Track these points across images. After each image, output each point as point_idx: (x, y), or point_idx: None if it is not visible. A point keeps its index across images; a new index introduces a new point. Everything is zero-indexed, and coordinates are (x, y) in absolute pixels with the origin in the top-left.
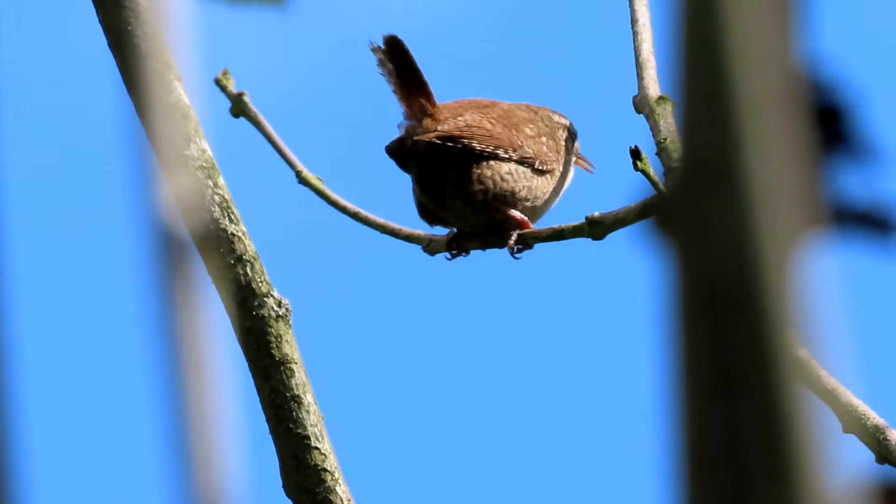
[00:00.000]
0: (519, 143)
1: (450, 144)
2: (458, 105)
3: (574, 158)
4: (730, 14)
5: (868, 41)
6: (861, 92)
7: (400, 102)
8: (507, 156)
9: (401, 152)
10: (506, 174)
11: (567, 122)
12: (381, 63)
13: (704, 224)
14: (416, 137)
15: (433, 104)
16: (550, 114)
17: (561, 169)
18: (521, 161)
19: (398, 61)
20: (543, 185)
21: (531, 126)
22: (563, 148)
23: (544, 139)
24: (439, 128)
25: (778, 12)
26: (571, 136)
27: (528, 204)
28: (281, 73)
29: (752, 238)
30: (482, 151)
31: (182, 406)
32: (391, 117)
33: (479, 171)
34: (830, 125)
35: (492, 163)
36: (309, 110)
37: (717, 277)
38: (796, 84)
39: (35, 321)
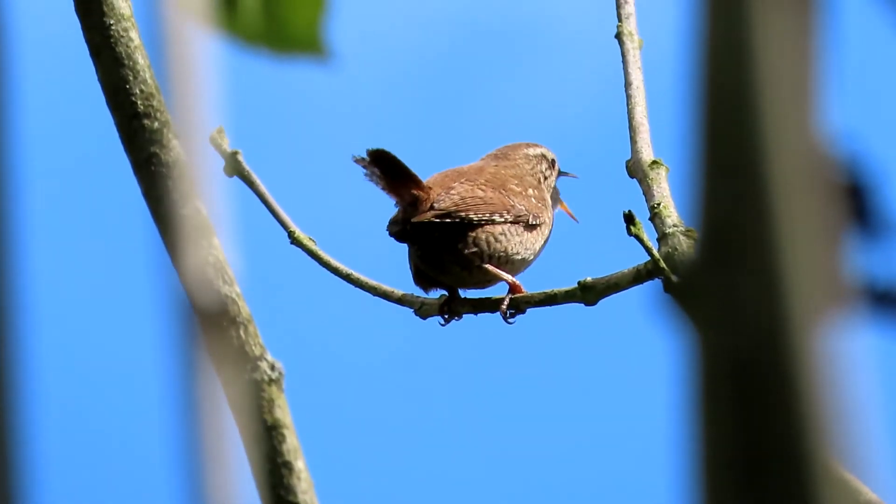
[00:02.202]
0: (511, 203)
1: (448, 221)
2: (445, 178)
3: (555, 186)
4: (758, 88)
5: (890, 117)
6: (883, 168)
7: (390, 196)
8: (501, 219)
9: (402, 234)
10: (499, 234)
11: (541, 151)
12: (365, 170)
13: (729, 299)
14: (414, 220)
15: (422, 186)
16: (525, 150)
17: (550, 217)
18: (516, 220)
19: (382, 166)
20: (534, 239)
21: (517, 181)
22: (547, 187)
23: (531, 191)
24: (435, 206)
25: (804, 87)
26: (549, 162)
27: (519, 258)
28: (277, 128)
29: (777, 309)
30: (479, 220)
31: (202, 476)
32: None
33: (473, 235)
34: (853, 201)
35: (486, 227)
36: (305, 167)
37: (741, 351)
38: (822, 158)
39: (51, 384)
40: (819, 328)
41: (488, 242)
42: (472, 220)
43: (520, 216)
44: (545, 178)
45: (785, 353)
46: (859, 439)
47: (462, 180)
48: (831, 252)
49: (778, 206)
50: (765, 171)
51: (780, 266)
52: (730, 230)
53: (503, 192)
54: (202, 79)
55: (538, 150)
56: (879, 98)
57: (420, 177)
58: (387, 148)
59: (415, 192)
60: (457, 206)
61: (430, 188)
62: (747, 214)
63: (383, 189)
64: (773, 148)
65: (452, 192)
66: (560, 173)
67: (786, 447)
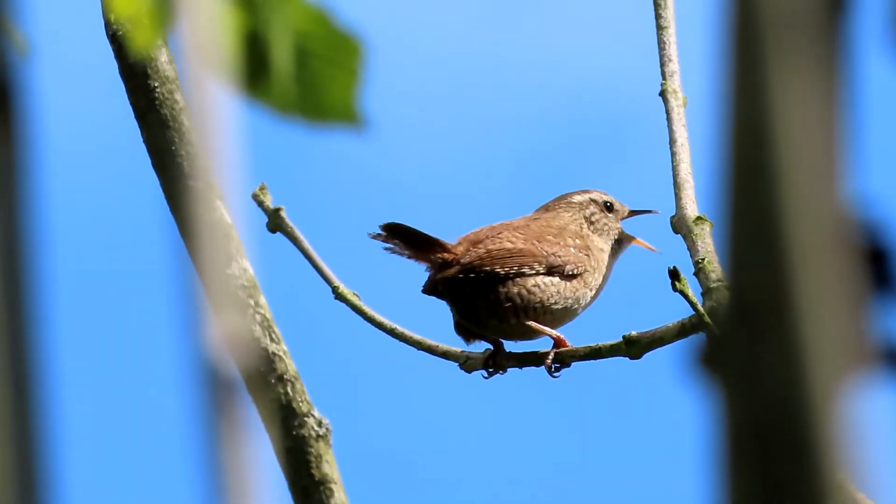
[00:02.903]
0: (544, 253)
1: (472, 275)
2: (479, 232)
3: (616, 225)
4: (781, 155)
5: None
6: None
7: (420, 262)
8: (532, 271)
9: (434, 292)
10: (532, 287)
11: (589, 196)
12: (386, 244)
13: (753, 363)
14: (438, 277)
15: (448, 248)
16: (570, 198)
17: (595, 264)
18: (549, 271)
19: (401, 237)
20: (575, 288)
21: (556, 232)
22: (598, 231)
23: (570, 240)
24: (461, 261)
25: (827, 153)
26: (600, 205)
27: (559, 307)
28: (320, 185)
29: (801, 378)
30: (507, 273)
31: None
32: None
33: (505, 289)
34: (874, 266)
35: (517, 280)
36: (348, 222)
37: (765, 416)
38: (844, 224)
39: (84, 455)
40: (840, 392)
41: (521, 295)
42: (498, 273)
43: (554, 266)
44: (592, 223)
45: (806, 417)
46: (880, 500)
47: (495, 234)
48: (853, 316)
49: (800, 273)
50: (787, 239)
51: (803, 332)
52: (754, 297)
53: (537, 243)
54: (233, 140)
55: (584, 196)
56: None
57: (445, 239)
58: (399, 221)
59: (440, 254)
60: (482, 259)
61: (459, 245)
62: (771, 281)
63: (409, 258)
64: (794, 215)
65: (479, 246)
66: (632, 212)
67: None
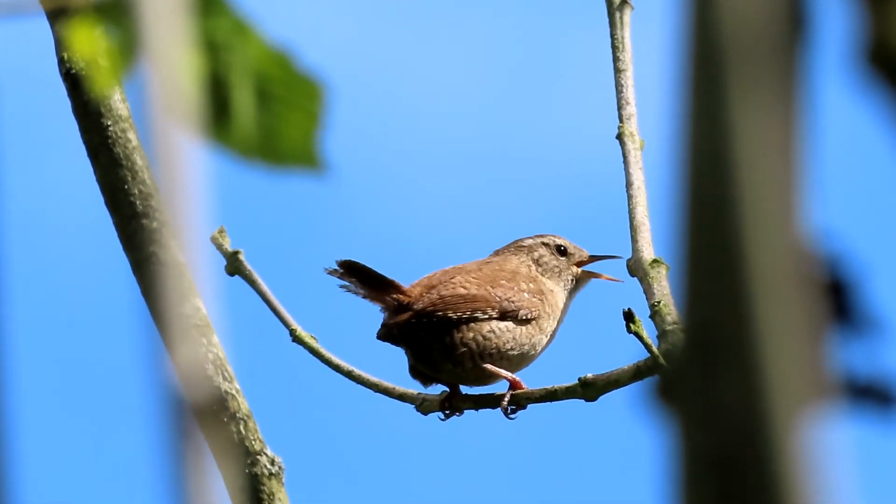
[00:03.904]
0: (497, 298)
1: (425, 321)
2: (432, 277)
3: (570, 268)
4: (740, 187)
5: (869, 214)
6: (863, 266)
7: (374, 303)
8: (486, 316)
9: (389, 337)
10: (487, 332)
11: (541, 240)
12: (341, 281)
13: (710, 394)
14: (392, 322)
15: (403, 291)
16: (520, 242)
17: (550, 308)
18: (503, 316)
19: (357, 275)
20: (530, 333)
21: (508, 276)
22: (547, 273)
23: (523, 284)
24: (415, 307)
25: (787, 185)
26: (553, 248)
27: (515, 353)
28: (280, 227)
29: (761, 410)
30: (459, 318)
31: None
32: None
33: (460, 335)
34: (834, 299)
35: (472, 325)
36: (306, 265)
37: (724, 449)
38: (803, 257)
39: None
40: (800, 424)
41: (476, 341)
42: (451, 318)
43: (508, 312)
44: (541, 266)
45: (765, 450)
46: None
47: (448, 279)
48: (813, 349)
49: (759, 306)
50: (745, 272)
51: (761, 365)
52: (712, 330)
53: (490, 288)
54: (195, 183)
55: (535, 240)
56: (861, 196)
57: (400, 281)
58: (355, 259)
59: (395, 296)
60: (434, 305)
61: (414, 289)
62: (729, 314)
63: (364, 298)
64: (753, 249)
65: (433, 291)
66: (592, 258)
67: None
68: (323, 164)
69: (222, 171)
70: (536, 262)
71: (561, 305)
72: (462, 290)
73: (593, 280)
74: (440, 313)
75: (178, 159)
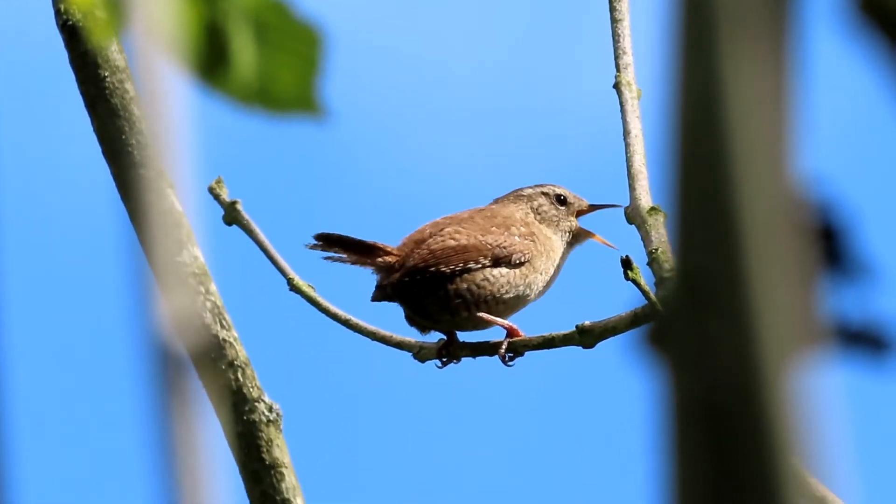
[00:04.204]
0: (488, 246)
1: (418, 277)
2: (421, 233)
3: (573, 227)
4: (730, 134)
5: (860, 161)
6: (855, 211)
7: (364, 267)
8: (478, 265)
9: (384, 297)
10: (481, 281)
11: (540, 189)
12: (326, 251)
13: (702, 341)
14: (384, 283)
15: (389, 251)
16: (519, 191)
17: (543, 248)
18: (496, 262)
19: (339, 245)
20: (524, 275)
21: (498, 223)
22: (546, 222)
23: (514, 229)
24: (406, 264)
25: (777, 133)
26: (552, 198)
27: (510, 296)
28: (278, 177)
29: (750, 355)
30: (452, 271)
31: None
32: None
33: (454, 287)
34: (825, 244)
35: (465, 276)
36: (303, 214)
37: (715, 393)
38: (794, 203)
39: (35, 434)
40: (790, 370)
41: (470, 290)
42: (443, 272)
43: (500, 258)
44: (539, 215)
45: (756, 396)
46: (832, 477)
47: (438, 231)
48: (804, 295)
49: (750, 252)
50: (737, 218)
51: (752, 311)
52: (703, 276)
53: (481, 236)
54: (189, 133)
55: (534, 189)
56: (852, 141)
57: (386, 241)
58: (333, 231)
59: (383, 258)
60: (426, 261)
61: (404, 246)
62: (720, 261)
63: (353, 264)
64: (745, 194)
65: (423, 247)
66: (592, 207)
67: (758, 488)
68: (321, 111)
69: (220, 119)
70: (535, 210)
71: (558, 253)
72: (452, 242)
73: (589, 240)
74: (432, 269)
75: (172, 108)
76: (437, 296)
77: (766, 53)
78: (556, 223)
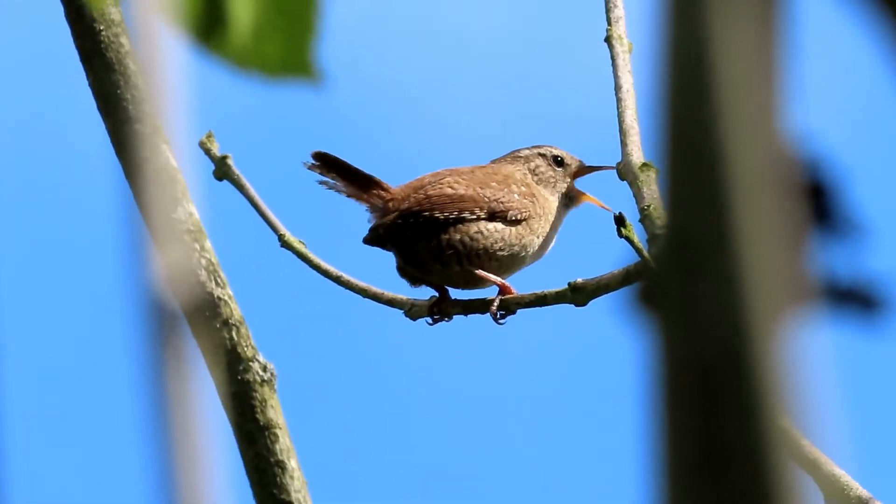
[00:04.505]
0: (486, 199)
1: (411, 220)
2: (420, 180)
3: (569, 188)
4: (718, 90)
5: (850, 118)
6: (844, 168)
7: (359, 202)
8: (473, 216)
9: (377, 240)
10: (475, 234)
11: (538, 150)
12: (322, 176)
13: (691, 300)
14: (379, 223)
15: (389, 190)
16: (518, 152)
17: (541, 210)
18: (492, 217)
19: (337, 170)
20: (520, 234)
21: (498, 179)
22: (543, 183)
23: (514, 187)
24: (401, 207)
25: (766, 89)
26: (550, 159)
27: (505, 254)
28: (269, 133)
29: (739, 314)
30: (447, 218)
31: (173, 476)
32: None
33: (447, 236)
34: (814, 202)
35: (459, 226)
36: (294, 170)
37: (704, 353)
38: (783, 160)
39: (26, 386)
40: (780, 330)
41: (463, 242)
42: (437, 218)
43: (497, 212)
44: (537, 175)
45: (746, 356)
46: (821, 436)
47: (437, 180)
48: (793, 253)
49: (738, 210)
50: (725, 175)
51: (741, 269)
52: (691, 234)
53: (480, 189)
54: (184, 87)
55: (532, 150)
56: (841, 98)
57: (392, 182)
58: (332, 153)
59: (380, 194)
60: (420, 205)
61: (400, 189)
62: (708, 218)
63: (349, 196)
64: (733, 151)
65: (420, 191)
66: (586, 168)
67: (748, 448)
68: (317, 75)
69: (214, 79)
70: (533, 172)
71: (554, 213)
72: (449, 191)
73: (585, 202)
74: (426, 213)
75: (165, 61)
76: (429, 243)
77: (755, 8)
78: (553, 185)
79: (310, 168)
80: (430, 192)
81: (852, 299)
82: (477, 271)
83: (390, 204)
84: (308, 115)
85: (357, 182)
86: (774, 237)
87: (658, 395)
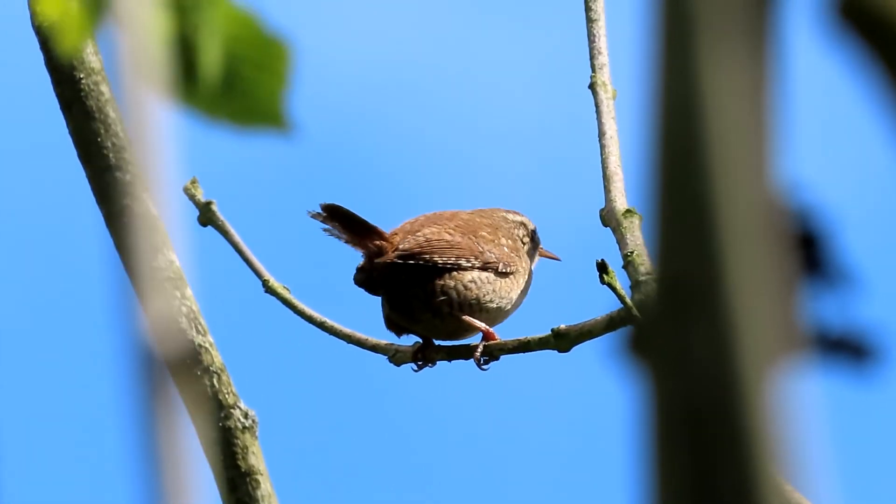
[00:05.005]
0: (480, 249)
1: (411, 262)
2: (414, 222)
3: (536, 253)
4: (711, 138)
5: (840, 166)
6: (835, 217)
7: (356, 248)
8: (469, 264)
9: (368, 281)
10: (469, 282)
11: (521, 219)
12: (324, 225)
13: (683, 348)
14: (377, 261)
15: (385, 236)
16: (504, 214)
17: (524, 267)
18: (485, 267)
19: (340, 219)
20: (508, 287)
21: (489, 230)
22: (523, 246)
23: (503, 240)
24: (400, 246)
25: (756, 138)
26: (528, 231)
27: (493, 306)
28: (252, 179)
29: (732, 362)
30: (444, 264)
31: None
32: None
33: (442, 282)
34: (806, 251)
35: (454, 273)
36: (278, 216)
37: (695, 400)
38: (774, 209)
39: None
40: (771, 376)
41: (457, 290)
42: (436, 262)
43: (489, 263)
44: (522, 244)
45: (737, 401)
46: (812, 484)
47: (430, 224)
48: (784, 301)
49: (729, 258)
50: (716, 223)
51: (732, 316)
52: (683, 281)
53: (473, 238)
54: (165, 137)
55: (518, 217)
56: (832, 148)
57: (383, 227)
58: (340, 203)
59: (378, 242)
60: (421, 247)
61: (396, 234)
62: (699, 266)
63: (346, 242)
64: (724, 200)
65: (419, 234)
66: (542, 253)
67: (739, 493)
68: (289, 125)
69: (192, 127)
70: (519, 237)
71: (528, 273)
72: (447, 236)
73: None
74: (426, 255)
75: (148, 114)
76: (423, 288)
77: (745, 56)
78: (527, 253)
79: (313, 216)
80: (430, 236)
81: (843, 348)
82: (465, 317)
83: (388, 245)
84: (293, 162)
85: (358, 230)
86: (765, 285)
87: (648, 441)
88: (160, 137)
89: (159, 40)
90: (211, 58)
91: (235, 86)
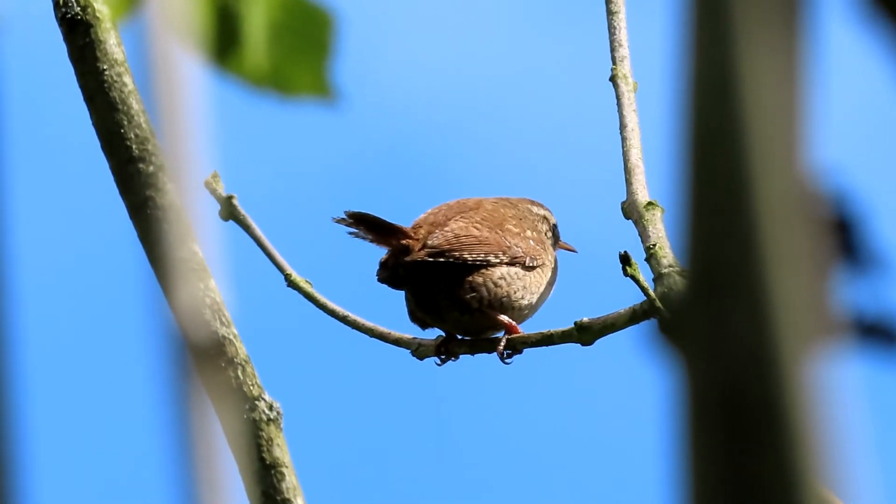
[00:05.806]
0: (508, 244)
1: (441, 260)
2: (439, 212)
3: (556, 247)
4: (746, 124)
5: (874, 151)
6: (868, 203)
7: (381, 246)
8: (497, 260)
9: (393, 278)
10: (498, 279)
11: (544, 213)
12: (350, 229)
13: (719, 333)
14: (406, 259)
15: (411, 235)
16: (529, 206)
17: (550, 260)
18: (512, 262)
19: (364, 223)
20: (538, 282)
21: (515, 223)
22: (547, 239)
23: (529, 233)
24: (428, 243)
25: (791, 122)
26: (550, 224)
27: (525, 302)
28: (275, 172)
29: (768, 348)
30: (474, 261)
31: None
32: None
33: (471, 279)
34: (840, 237)
35: (483, 270)
36: (301, 210)
37: (730, 384)
38: (809, 194)
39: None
40: (806, 360)
41: (488, 287)
42: (465, 260)
43: (516, 257)
44: (546, 237)
45: (773, 386)
46: (847, 469)
47: (457, 217)
48: (819, 286)
49: (765, 242)
50: (752, 208)
51: (768, 300)
52: (718, 266)
53: (500, 232)
54: (195, 121)
55: (541, 211)
56: (866, 132)
57: (403, 217)
58: (364, 210)
59: (402, 239)
60: (450, 244)
61: (420, 227)
62: (735, 250)
63: (372, 242)
64: (759, 184)
65: (446, 229)
66: (560, 245)
67: (775, 477)
68: (333, 94)
69: (227, 108)
70: (547, 233)
71: (553, 267)
72: (475, 232)
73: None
74: (456, 253)
75: (180, 93)
76: (452, 286)
77: (780, 42)
78: (554, 246)
79: (338, 222)
80: (459, 233)
81: (876, 333)
82: (491, 312)
83: (413, 242)
84: (313, 150)
85: (383, 231)
86: (800, 269)
87: (683, 427)
88: (190, 118)
89: (200, 12)
90: (255, 27)
91: (278, 55)
